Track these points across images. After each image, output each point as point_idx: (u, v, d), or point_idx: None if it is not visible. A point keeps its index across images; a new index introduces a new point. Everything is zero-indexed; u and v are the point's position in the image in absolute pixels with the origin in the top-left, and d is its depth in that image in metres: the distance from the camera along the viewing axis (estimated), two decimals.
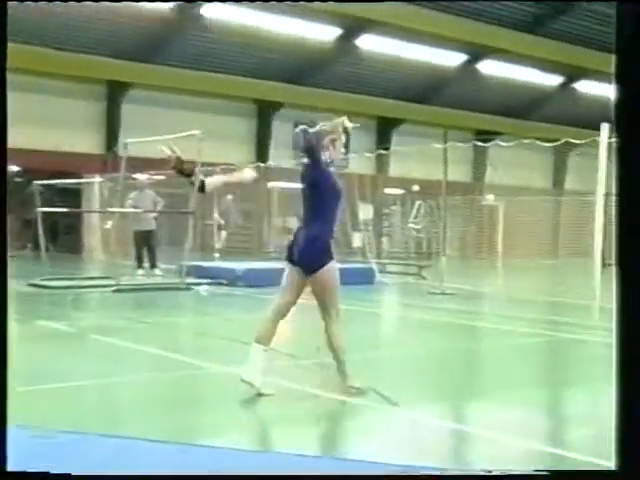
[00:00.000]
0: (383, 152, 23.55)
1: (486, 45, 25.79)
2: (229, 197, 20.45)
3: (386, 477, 3.35)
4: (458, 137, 22.19)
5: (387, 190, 27.39)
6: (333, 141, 5.09)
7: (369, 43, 25.20)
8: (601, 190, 12.31)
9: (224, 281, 13.64)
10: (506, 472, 3.23)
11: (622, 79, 2.59)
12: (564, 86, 29.44)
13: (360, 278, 15.10)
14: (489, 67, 27.30)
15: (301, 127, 5.55)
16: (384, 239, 26.71)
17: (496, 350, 8.07)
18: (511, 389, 5.77)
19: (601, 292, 12.07)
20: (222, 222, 19.88)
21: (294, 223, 26.06)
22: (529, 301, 12.70)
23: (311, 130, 5.24)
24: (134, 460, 3.54)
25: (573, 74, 28.78)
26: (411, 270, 17.53)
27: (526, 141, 15.50)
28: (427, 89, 27.94)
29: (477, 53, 26.73)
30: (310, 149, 5.04)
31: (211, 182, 5.66)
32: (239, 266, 14.45)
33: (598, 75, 28.02)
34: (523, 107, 30.34)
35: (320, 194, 5.06)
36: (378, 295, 13.86)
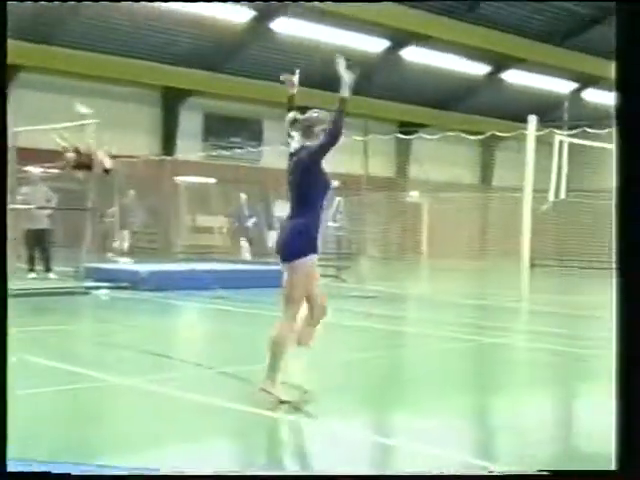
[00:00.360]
0: None
1: (410, 31, 26.15)
2: (132, 192, 20.15)
3: (386, 477, 3.59)
4: (380, 129, 22.50)
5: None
6: (323, 131, 5.33)
7: (285, 26, 25.18)
8: (529, 186, 12.72)
9: (127, 285, 13.45)
10: (506, 472, 3.40)
11: (623, 81, 2.75)
12: (492, 75, 30.13)
13: (275, 281, 15.12)
14: (413, 54, 27.67)
15: (294, 114, 5.69)
16: None
17: (420, 356, 8.21)
18: (434, 397, 5.89)
19: (529, 294, 12.47)
20: (130, 220, 19.60)
21: (207, 221, 25.92)
22: (455, 304, 12.97)
23: (310, 115, 5.55)
24: None
25: (501, 63, 29.47)
26: (330, 272, 17.66)
27: (451, 134, 15.86)
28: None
29: (401, 39, 27.08)
30: (334, 136, 5.20)
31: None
32: (143, 268, 14.28)
33: (527, 64, 28.85)
34: (449, 97, 30.91)
35: (312, 183, 5.26)
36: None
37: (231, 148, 25.12)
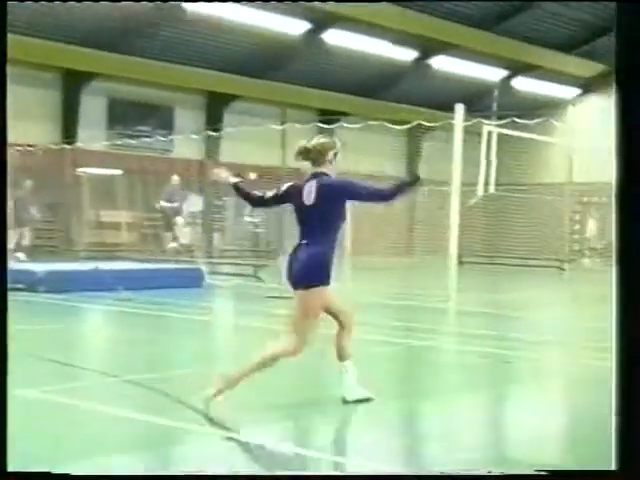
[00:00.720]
0: (213, 134, 23.50)
1: (332, 12, 26.21)
2: (28, 183, 19.71)
3: (386, 477, 3.72)
4: (299, 117, 22.47)
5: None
6: (335, 155, 5.74)
7: (199, 6, 24.92)
8: (457, 179, 12.92)
9: (22, 286, 13.15)
10: (506, 472, 3.52)
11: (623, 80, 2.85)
12: (419, 61, 30.46)
13: (186, 280, 15.05)
14: (335, 37, 27.74)
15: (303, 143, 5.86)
16: (215, 235, 26.69)
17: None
18: (360, 405, 5.94)
19: (457, 293, 12.69)
20: (25, 215, 19.16)
21: (112, 216, 25.47)
22: (381, 305, 13.10)
23: (321, 142, 5.81)
24: None
25: (429, 48, 29.82)
26: (247, 271, 17.63)
27: (375, 123, 16.00)
28: (265, 61, 28.08)
29: (322, 21, 27.13)
30: (383, 199, 5.83)
31: None
32: (40, 268, 13.99)
33: (456, 50, 29.26)
34: (373, 84, 31.13)
35: (340, 214, 5.64)
36: (207, 300, 13.85)
37: (139, 137, 24.78)
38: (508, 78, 32.16)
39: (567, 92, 33.14)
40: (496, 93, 23.41)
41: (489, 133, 13.53)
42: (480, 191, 13.63)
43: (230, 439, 4.86)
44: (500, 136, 14.02)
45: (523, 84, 32.16)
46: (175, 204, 19.75)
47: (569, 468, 4.07)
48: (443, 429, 5.40)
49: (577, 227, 29.28)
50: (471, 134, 13.69)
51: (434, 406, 6.14)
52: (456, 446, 4.82)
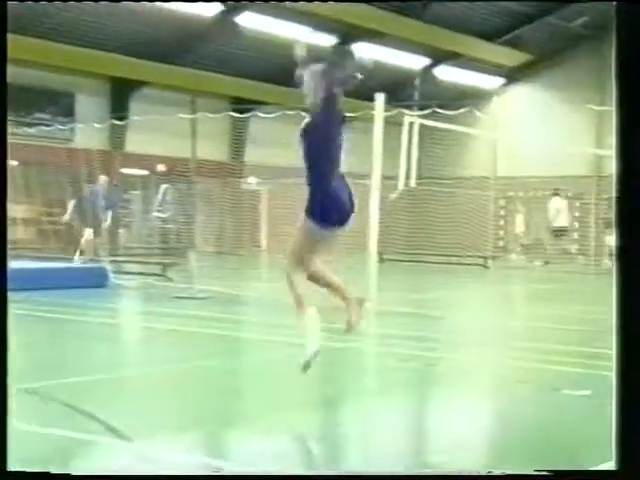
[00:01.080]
0: (118, 122, 23.18)
1: None
2: None
3: (386, 477, 3.84)
4: (211, 106, 22.42)
5: (125, 170, 26.99)
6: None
7: None
8: (377, 173, 13.00)
9: None
10: (505, 472, 3.61)
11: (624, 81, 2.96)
12: (339, 46, 30.55)
13: (88, 280, 14.86)
14: (251, 20, 27.63)
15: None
16: (121, 231, 26.33)
17: (255, 365, 8.25)
18: (271, 412, 5.93)
19: (377, 293, 12.77)
20: None
21: (10, 211, 24.77)
22: (293, 306, 13.09)
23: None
24: None
25: (349, 34, 29.94)
26: (154, 269, 17.45)
27: (292, 112, 15.97)
28: (174, 45, 27.80)
29: (236, 3, 26.99)
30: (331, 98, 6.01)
31: None
32: None
33: (377, 37, 29.46)
34: (290, 71, 31.02)
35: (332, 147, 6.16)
36: (112, 301, 13.65)
37: (37, 125, 24.26)
38: (430, 67, 32.57)
39: (491, 82, 33.74)
40: (417, 82, 23.67)
41: (410, 124, 13.64)
42: (401, 185, 13.74)
43: (133, 449, 4.79)
44: (422, 127, 14.15)
45: (446, 73, 32.60)
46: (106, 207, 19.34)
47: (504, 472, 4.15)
48: (363, 434, 5.43)
49: (502, 222, 29.87)
50: (392, 125, 13.79)
51: (353, 411, 6.17)
52: (378, 452, 4.85)
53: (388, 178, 13.87)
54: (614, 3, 3.16)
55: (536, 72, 32.90)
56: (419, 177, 14.37)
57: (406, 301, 14.00)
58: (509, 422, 5.93)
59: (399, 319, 11.61)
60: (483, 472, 3.86)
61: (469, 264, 23.87)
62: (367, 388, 7.13)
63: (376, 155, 12.47)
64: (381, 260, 17.55)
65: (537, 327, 11.52)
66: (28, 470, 3.15)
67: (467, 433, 5.52)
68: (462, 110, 17.17)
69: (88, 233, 19.09)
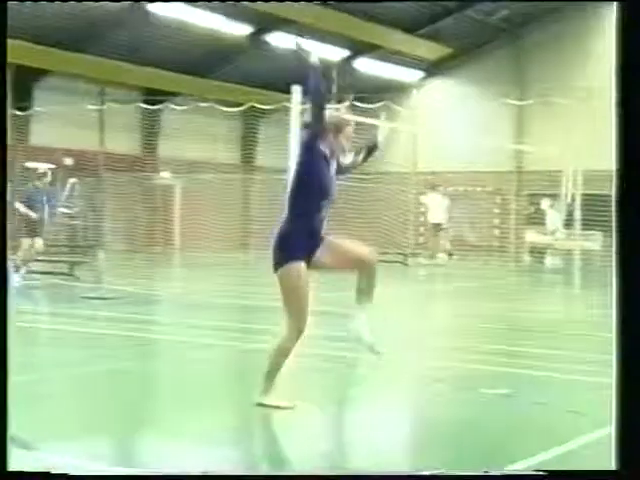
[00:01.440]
0: (20, 113, 22.68)
1: None
2: None
3: (386, 477, 4.01)
4: (120, 96, 22.13)
5: (29, 164, 26.42)
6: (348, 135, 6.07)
7: None
8: (293, 167, 12.99)
9: None
10: (505, 472, 3.74)
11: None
12: (254, 37, 30.44)
13: None
14: (162, 8, 27.32)
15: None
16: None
17: (168, 368, 8.17)
18: (182, 417, 5.87)
19: None
20: None
21: None
22: (211, 305, 13.03)
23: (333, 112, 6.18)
24: None
25: (265, 23, 29.85)
26: (61, 268, 17.15)
27: (205, 104, 15.89)
28: (81, 32, 27.32)
29: None
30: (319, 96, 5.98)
31: None
32: None
33: (294, 27, 29.41)
34: (204, 61, 30.86)
35: (301, 182, 5.88)
36: (15, 302, 13.34)
37: None
38: (350, 59, 32.70)
39: (411, 75, 34.04)
40: (335, 74, 23.66)
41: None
42: None
43: (34, 457, 4.68)
44: None
45: (365, 65, 32.77)
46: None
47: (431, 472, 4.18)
48: (284, 438, 5.40)
49: (423, 219, 30.12)
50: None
51: (270, 415, 6.13)
52: (297, 455, 4.83)
53: None
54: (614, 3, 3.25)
55: (456, 66, 33.29)
56: (337, 172, 14.37)
57: (326, 300, 14.02)
58: (424, 422, 5.98)
59: (320, 318, 11.59)
60: (483, 472, 3.92)
61: (389, 261, 24.04)
62: (289, 390, 7.10)
63: (292, 149, 12.45)
64: None
65: (457, 325, 11.66)
66: (28, 470, 3.32)
67: (383, 434, 5.54)
68: (380, 104, 17.27)
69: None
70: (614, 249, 3.14)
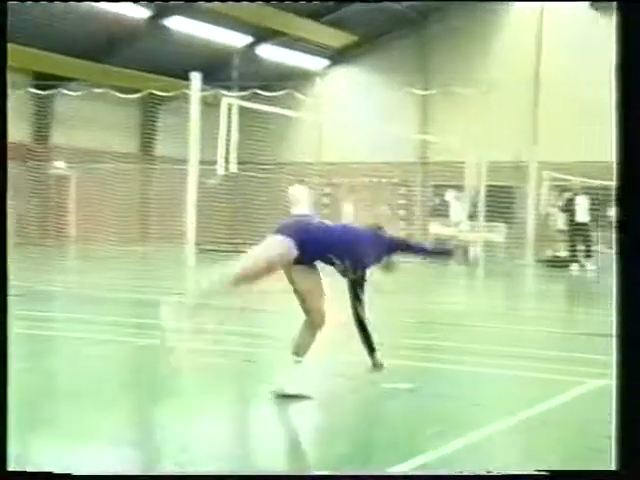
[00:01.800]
0: None
1: None
2: None
3: (386, 477, 4.09)
4: (8, 81, 21.45)
5: None
6: None
7: None
8: (194, 157, 12.93)
9: None
10: (505, 472, 3.76)
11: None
12: (153, 21, 30.03)
13: None
14: None
15: None
16: None
17: (61, 365, 8.07)
18: (74, 415, 5.81)
19: (195, 285, 12.67)
20: None
21: None
22: (107, 300, 12.88)
23: None
24: None
25: (164, 8, 29.49)
26: None
27: (100, 90, 15.65)
28: None
29: None
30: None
31: None
32: None
33: (193, 11, 29.15)
34: (100, 45, 30.29)
35: None
36: None
37: None
38: (252, 45, 32.58)
39: (315, 63, 34.11)
40: (237, 61, 23.55)
41: (229, 106, 13.61)
42: (220, 170, 13.71)
43: None
44: (243, 110, 14.16)
45: (269, 52, 32.69)
46: None
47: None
48: (180, 438, 5.38)
49: (327, 212, 30.20)
50: (212, 106, 13.72)
51: (162, 412, 6.11)
52: (197, 457, 4.82)
53: (207, 163, 13.80)
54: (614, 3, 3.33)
55: (361, 54, 33.51)
56: (240, 162, 14.36)
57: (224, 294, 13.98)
58: (323, 419, 6.03)
59: (218, 312, 11.57)
60: (483, 472, 3.98)
61: None
62: (180, 387, 7.08)
63: (193, 138, 12.38)
64: (200, 251, 17.48)
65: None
66: (28, 470, 3.43)
67: (280, 429, 5.57)
68: (284, 92, 17.28)
69: None
70: (614, 249, 3.24)
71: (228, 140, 13.55)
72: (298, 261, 6.09)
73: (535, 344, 9.35)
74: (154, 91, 15.22)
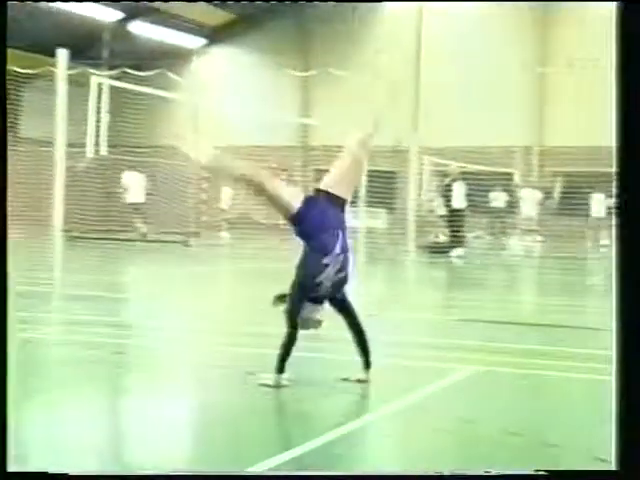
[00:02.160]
0: None
1: None
2: None
3: (386, 477, 4.24)
4: None
5: None
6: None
7: None
8: (61, 138, 12.65)
9: None
10: (506, 472, 3.82)
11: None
12: None
13: None
14: None
15: None
16: None
17: None
18: None
19: (63, 275, 12.44)
20: None
21: None
22: None
23: None
24: None
25: None
26: None
27: None
28: None
29: None
30: None
31: None
32: None
33: None
34: None
35: None
36: None
37: None
38: (124, 21, 32.04)
39: (191, 41, 33.82)
40: (108, 38, 23.09)
41: (100, 85, 13.39)
42: (90, 153, 13.48)
43: None
44: (115, 90, 13.95)
45: (142, 29, 32.22)
46: None
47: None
48: (47, 435, 5.31)
49: (205, 197, 29.98)
50: (82, 86, 13.45)
51: (35, 410, 6.02)
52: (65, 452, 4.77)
53: (75, 145, 13.54)
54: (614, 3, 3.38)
55: (239, 33, 33.33)
56: (111, 145, 14.14)
57: (97, 284, 13.82)
58: (194, 411, 6.03)
59: (87, 303, 11.43)
60: (483, 472, 4.01)
61: (169, 242, 23.85)
62: (49, 383, 6.97)
63: (59, 118, 12.12)
64: (70, 238, 17.18)
65: (235, 308, 11.77)
66: (28, 470, 3.52)
67: (153, 426, 5.56)
68: (157, 71, 17.09)
69: None
70: (614, 249, 3.32)
71: (98, 122, 13.33)
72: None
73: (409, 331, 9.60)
74: (16, 68, 14.81)
